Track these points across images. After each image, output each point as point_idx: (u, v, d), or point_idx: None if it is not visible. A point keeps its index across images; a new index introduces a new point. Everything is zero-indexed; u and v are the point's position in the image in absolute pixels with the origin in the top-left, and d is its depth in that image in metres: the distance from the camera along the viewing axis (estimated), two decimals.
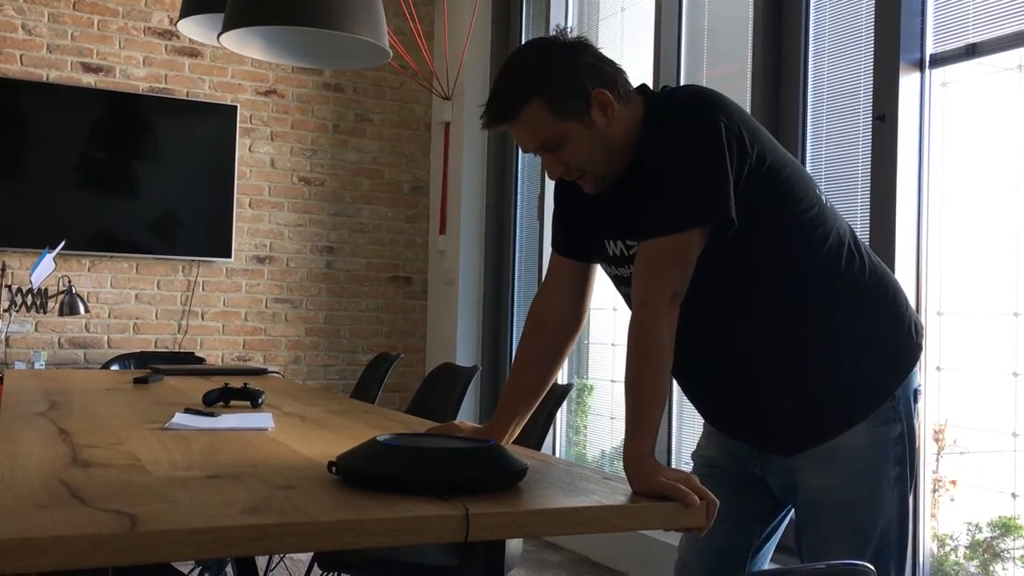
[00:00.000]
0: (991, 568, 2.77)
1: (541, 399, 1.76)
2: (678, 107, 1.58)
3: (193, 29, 2.96)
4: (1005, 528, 2.73)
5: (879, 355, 1.64)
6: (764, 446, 1.70)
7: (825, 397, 1.63)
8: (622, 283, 1.69)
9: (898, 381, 1.63)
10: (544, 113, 1.52)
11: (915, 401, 1.65)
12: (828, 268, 1.62)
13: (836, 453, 1.61)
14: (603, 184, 1.61)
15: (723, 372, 1.68)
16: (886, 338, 1.65)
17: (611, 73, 1.57)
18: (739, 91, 3.46)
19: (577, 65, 1.54)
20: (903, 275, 2.83)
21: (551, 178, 1.64)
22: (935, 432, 2.86)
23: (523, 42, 4.95)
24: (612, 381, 4.44)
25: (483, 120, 1.57)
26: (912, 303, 1.73)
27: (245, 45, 2.78)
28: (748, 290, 1.61)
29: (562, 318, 1.74)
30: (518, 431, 1.74)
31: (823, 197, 1.66)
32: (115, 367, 3.86)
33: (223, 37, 2.67)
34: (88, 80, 4.74)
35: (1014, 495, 2.68)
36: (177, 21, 3.02)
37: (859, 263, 1.64)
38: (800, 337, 1.62)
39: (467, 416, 4.27)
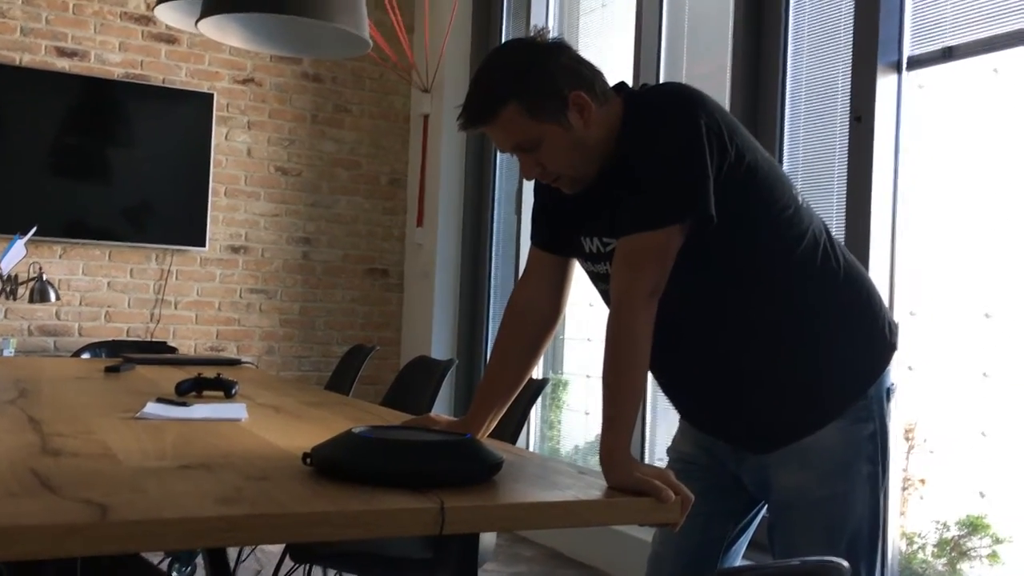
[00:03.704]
0: (958, 566, 2.80)
1: (517, 393, 1.76)
2: (658, 104, 1.58)
3: (170, 15, 2.93)
4: (973, 527, 2.77)
5: (853, 354, 1.65)
6: (738, 443, 1.71)
7: (799, 395, 1.64)
8: (599, 280, 1.69)
9: (871, 380, 1.64)
10: (521, 116, 1.52)
11: (888, 400, 1.66)
12: (803, 267, 1.62)
13: (809, 451, 1.62)
14: (579, 186, 1.61)
15: (698, 369, 1.69)
16: (860, 337, 1.66)
17: (588, 75, 1.57)
18: (718, 89, 3.47)
19: (554, 67, 1.54)
20: (877, 275, 2.85)
21: (526, 179, 1.64)
22: (905, 431, 2.89)
23: (504, 37, 5.00)
24: (587, 376, 4.45)
25: (460, 122, 1.57)
26: (885, 303, 1.75)
27: (223, 32, 2.76)
28: (724, 288, 1.62)
29: (540, 312, 1.74)
30: (494, 425, 1.74)
31: (800, 197, 1.66)
32: (86, 355, 3.81)
33: (201, 23, 2.65)
34: (62, 65, 4.67)
35: (982, 494, 2.71)
36: (154, 6, 2.98)
37: (834, 263, 1.65)
38: (774, 335, 1.63)
39: (442, 410, 4.26)
